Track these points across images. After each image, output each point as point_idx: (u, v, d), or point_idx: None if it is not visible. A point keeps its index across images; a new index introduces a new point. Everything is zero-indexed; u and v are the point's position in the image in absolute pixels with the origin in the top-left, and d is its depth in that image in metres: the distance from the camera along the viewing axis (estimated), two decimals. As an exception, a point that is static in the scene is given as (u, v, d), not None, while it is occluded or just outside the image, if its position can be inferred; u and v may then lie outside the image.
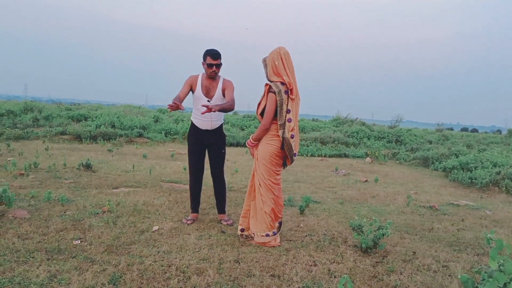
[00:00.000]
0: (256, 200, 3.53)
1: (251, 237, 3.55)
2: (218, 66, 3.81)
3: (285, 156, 3.53)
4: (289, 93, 3.40)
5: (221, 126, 4.02)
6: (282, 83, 3.39)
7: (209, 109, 3.39)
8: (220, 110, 3.56)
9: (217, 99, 3.85)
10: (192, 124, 3.98)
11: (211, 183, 4.19)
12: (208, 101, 3.82)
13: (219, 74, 3.91)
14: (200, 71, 3.95)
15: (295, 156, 3.54)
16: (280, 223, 3.61)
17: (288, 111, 3.40)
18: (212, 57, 3.76)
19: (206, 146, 4.01)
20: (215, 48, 3.81)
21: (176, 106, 3.41)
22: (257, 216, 3.51)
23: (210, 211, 4.48)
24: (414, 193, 6.54)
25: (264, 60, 3.51)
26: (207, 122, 3.88)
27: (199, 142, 3.96)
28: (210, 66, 3.77)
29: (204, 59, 3.80)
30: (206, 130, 3.92)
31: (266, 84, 3.47)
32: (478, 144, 15.07)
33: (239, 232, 3.63)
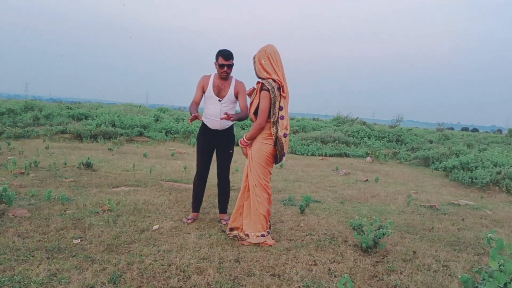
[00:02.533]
0: (251, 201, 3.49)
1: (241, 237, 3.49)
2: (230, 66, 3.80)
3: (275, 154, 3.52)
4: (281, 90, 3.39)
5: (231, 127, 4.01)
6: (273, 80, 3.38)
7: (228, 117, 3.56)
8: (237, 120, 3.71)
9: (228, 99, 3.86)
10: (203, 124, 3.99)
11: (212, 182, 4.18)
12: (219, 100, 3.84)
13: (231, 74, 3.93)
14: (207, 70, 3.97)
15: (284, 156, 3.52)
16: (270, 222, 3.60)
17: (280, 108, 3.39)
18: (224, 58, 3.75)
19: (215, 146, 4.01)
20: (227, 49, 3.80)
21: (194, 118, 3.58)
22: (252, 216, 3.48)
23: (210, 210, 4.48)
24: (414, 193, 6.54)
25: (254, 58, 3.51)
26: (217, 122, 3.88)
27: (209, 142, 3.97)
28: (221, 66, 3.77)
29: (216, 59, 3.80)
30: (216, 130, 3.92)
31: (258, 82, 3.46)
32: (479, 144, 15.07)
33: (227, 231, 3.60)
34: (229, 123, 3.95)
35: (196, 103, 3.88)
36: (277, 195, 5.60)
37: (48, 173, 6.17)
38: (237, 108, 4.01)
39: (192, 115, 3.65)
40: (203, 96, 3.94)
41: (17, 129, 11.53)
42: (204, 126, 3.98)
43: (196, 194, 4.10)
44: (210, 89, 3.85)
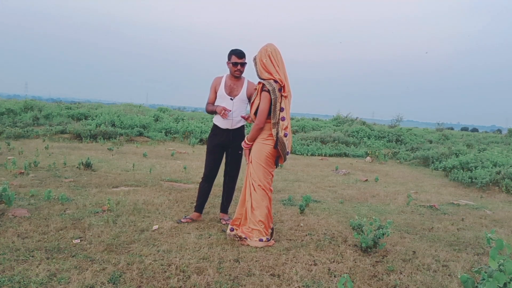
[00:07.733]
0: (248, 206, 3.47)
1: (241, 237, 3.45)
2: (243, 65, 3.85)
3: (277, 155, 3.50)
4: (282, 90, 3.38)
5: (242, 127, 4.01)
6: (275, 81, 3.37)
7: (247, 117, 3.76)
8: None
9: (240, 99, 3.89)
10: (214, 125, 4.02)
11: (215, 182, 4.16)
12: (231, 99, 3.86)
13: (244, 76, 3.96)
14: (219, 71, 4.00)
15: (287, 155, 3.52)
16: (273, 229, 3.58)
17: (281, 110, 3.38)
18: (237, 56, 3.81)
19: (225, 147, 4.01)
20: (239, 48, 3.86)
21: (220, 110, 3.76)
22: (251, 221, 3.44)
23: (210, 210, 4.48)
24: (414, 193, 6.54)
25: (255, 59, 3.50)
26: (228, 121, 3.90)
27: (219, 143, 3.97)
28: (235, 64, 3.82)
29: (229, 58, 3.84)
30: (227, 130, 3.93)
31: (259, 83, 3.46)
32: (478, 144, 15.07)
33: (228, 231, 3.57)
34: (240, 122, 3.96)
35: (211, 104, 3.97)
36: (277, 195, 5.60)
37: (47, 173, 6.17)
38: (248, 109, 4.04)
39: (216, 109, 3.83)
40: (216, 97, 3.96)
41: (16, 129, 11.52)
42: (215, 127, 4.00)
43: (201, 193, 4.07)
44: (222, 89, 3.89)
